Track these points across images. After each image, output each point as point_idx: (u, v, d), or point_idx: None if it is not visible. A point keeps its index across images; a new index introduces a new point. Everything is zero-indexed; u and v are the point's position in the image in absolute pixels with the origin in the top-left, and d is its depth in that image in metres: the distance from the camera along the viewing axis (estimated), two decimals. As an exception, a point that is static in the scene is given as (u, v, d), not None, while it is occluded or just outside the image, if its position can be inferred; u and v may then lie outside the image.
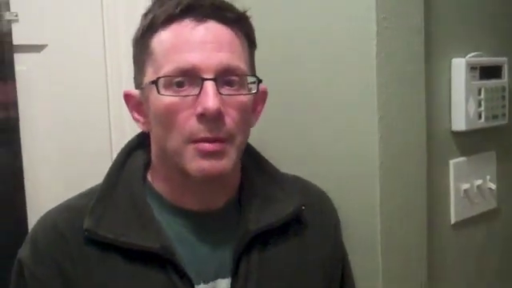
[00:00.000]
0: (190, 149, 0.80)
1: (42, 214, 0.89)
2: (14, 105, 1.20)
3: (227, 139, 0.81)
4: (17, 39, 1.20)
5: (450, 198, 1.24)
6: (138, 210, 0.85)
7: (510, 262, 1.43)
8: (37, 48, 1.24)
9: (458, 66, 1.21)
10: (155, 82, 0.79)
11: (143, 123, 0.87)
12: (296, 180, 1.00)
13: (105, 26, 1.30)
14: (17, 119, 1.21)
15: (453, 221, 1.24)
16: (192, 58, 0.79)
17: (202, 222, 0.87)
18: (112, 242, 0.82)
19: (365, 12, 1.00)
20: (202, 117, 0.79)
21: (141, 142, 0.92)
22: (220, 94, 0.79)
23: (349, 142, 1.05)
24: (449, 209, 1.24)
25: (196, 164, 0.80)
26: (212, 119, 0.79)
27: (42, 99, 1.25)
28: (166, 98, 0.80)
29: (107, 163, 0.91)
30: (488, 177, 1.32)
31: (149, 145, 0.90)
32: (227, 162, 0.82)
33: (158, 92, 0.79)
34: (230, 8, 0.84)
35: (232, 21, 0.83)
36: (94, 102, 1.29)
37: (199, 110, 0.78)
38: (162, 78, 0.79)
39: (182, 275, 0.82)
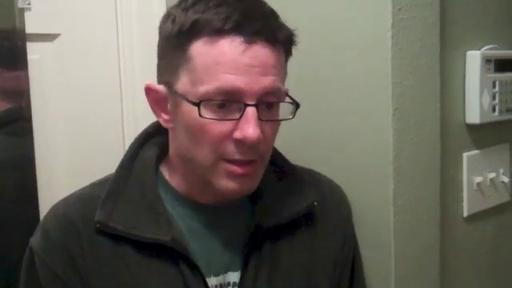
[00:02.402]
0: (221, 167, 0.80)
1: (53, 205, 0.89)
2: (26, 94, 1.20)
3: (259, 160, 0.82)
4: (29, 28, 1.20)
5: (463, 191, 1.23)
6: (149, 203, 0.84)
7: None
8: (50, 37, 1.24)
9: (473, 59, 1.20)
10: (197, 105, 0.77)
11: (165, 120, 0.85)
12: (309, 173, 1.00)
13: (118, 14, 1.30)
14: (29, 108, 1.21)
15: (465, 214, 1.23)
16: (238, 81, 0.76)
17: (214, 216, 0.87)
18: (123, 234, 0.82)
19: (380, 3, 0.99)
20: (240, 142, 0.78)
21: (156, 131, 0.92)
22: (260, 119, 0.78)
23: (363, 135, 1.05)
24: (462, 202, 1.23)
25: (225, 184, 0.81)
26: (250, 145, 0.78)
27: (54, 88, 1.25)
28: (203, 120, 0.77)
29: (120, 153, 0.92)
30: (501, 170, 1.31)
31: (166, 134, 0.89)
32: (255, 182, 0.84)
33: (200, 115, 0.77)
34: (280, 26, 0.81)
35: (281, 41, 0.80)
36: (106, 91, 1.29)
37: (239, 135, 0.77)
38: (206, 103, 0.77)
39: (193, 268, 0.82)
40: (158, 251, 0.82)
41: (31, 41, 1.21)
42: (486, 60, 1.21)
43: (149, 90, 0.84)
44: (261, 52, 0.78)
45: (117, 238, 0.82)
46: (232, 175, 0.80)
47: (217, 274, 0.86)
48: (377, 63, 1.01)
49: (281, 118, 0.84)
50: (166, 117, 0.84)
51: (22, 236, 0.93)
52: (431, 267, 1.11)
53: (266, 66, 0.78)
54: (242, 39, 0.77)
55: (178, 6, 0.82)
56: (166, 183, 0.89)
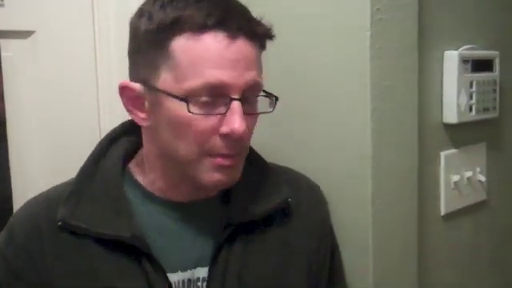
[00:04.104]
0: (206, 162, 0.81)
1: (25, 201, 0.90)
2: (-1, 91, 1.18)
3: (241, 154, 0.84)
4: (3, 24, 1.17)
5: (440, 190, 1.24)
6: (112, 200, 0.85)
7: (499, 254, 1.44)
8: (24, 34, 1.21)
9: (451, 59, 1.21)
10: (185, 101, 0.77)
11: (142, 119, 0.84)
12: (286, 172, 1.00)
13: (94, 11, 1.27)
14: (2, 107, 1.18)
15: (443, 212, 1.24)
16: (223, 75, 0.77)
17: (186, 213, 0.88)
18: (85, 232, 0.82)
19: (359, 3, 0.99)
20: (227, 136, 0.79)
21: (124, 131, 0.92)
22: (244, 113, 0.79)
23: (341, 135, 1.05)
24: (439, 200, 1.24)
25: (211, 176, 0.82)
26: (236, 139, 0.79)
27: (29, 86, 1.22)
28: (190, 115, 0.78)
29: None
30: (478, 169, 1.33)
31: (135, 133, 0.90)
32: (238, 173, 0.85)
33: (189, 110, 0.77)
34: (258, 21, 0.83)
35: (260, 36, 0.82)
36: (82, 89, 1.27)
37: (225, 130, 0.79)
38: (192, 97, 0.77)
39: (155, 264, 0.83)
40: (120, 248, 0.82)
41: (4, 38, 1.18)
42: (464, 60, 1.22)
43: (124, 89, 0.84)
44: (243, 47, 0.79)
45: (81, 236, 0.83)
46: (218, 168, 0.81)
47: (184, 270, 0.86)
48: (355, 63, 1.01)
49: (260, 111, 0.86)
50: (142, 115, 0.84)
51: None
52: (409, 266, 1.12)
53: (249, 61, 0.80)
54: (226, 34, 0.78)
55: (153, 3, 0.81)
56: (134, 182, 0.89)
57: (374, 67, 1.00)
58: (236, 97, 0.78)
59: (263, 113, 0.85)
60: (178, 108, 0.78)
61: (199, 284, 0.86)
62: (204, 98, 0.78)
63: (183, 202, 0.88)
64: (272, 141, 1.10)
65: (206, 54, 0.77)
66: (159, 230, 0.86)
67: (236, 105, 0.78)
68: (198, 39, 0.77)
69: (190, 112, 0.77)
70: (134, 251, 0.82)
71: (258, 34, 0.81)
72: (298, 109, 1.09)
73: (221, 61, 0.77)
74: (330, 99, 1.06)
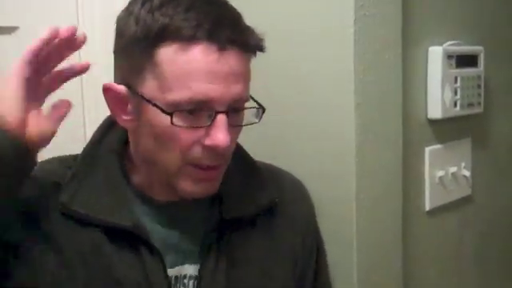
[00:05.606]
0: (186, 171, 0.80)
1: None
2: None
3: (224, 164, 0.83)
4: (-15, 20, 1.17)
5: (424, 185, 1.25)
6: (112, 190, 0.84)
7: (484, 249, 1.45)
8: (8, 30, 1.21)
9: (435, 55, 1.22)
10: (169, 114, 0.75)
11: (125, 120, 0.82)
12: (270, 169, 0.99)
13: (79, 7, 1.26)
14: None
15: (427, 208, 1.25)
16: (210, 90, 0.75)
17: (172, 212, 0.87)
18: (85, 218, 0.82)
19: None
20: (210, 148, 0.77)
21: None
22: (229, 125, 0.77)
23: (325, 130, 1.05)
24: (424, 196, 1.25)
25: (189, 187, 0.81)
26: (220, 152, 0.78)
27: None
28: (173, 127, 0.76)
29: (79, 144, 0.90)
30: (463, 164, 1.34)
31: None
32: (217, 185, 0.84)
33: (172, 123, 0.75)
34: (250, 32, 0.80)
35: (251, 48, 0.80)
36: (67, 85, 1.26)
37: (209, 143, 0.77)
38: (176, 111, 0.75)
39: (154, 254, 0.82)
40: (120, 237, 0.82)
41: (-13, 34, 1.18)
42: (448, 56, 1.23)
43: (107, 91, 0.82)
44: (233, 60, 0.77)
45: (81, 221, 0.82)
46: (196, 179, 0.81)
47: (172, 266, 0.86)
48: (339, 59, 1.02)
49: (246, 121, 0.84)
50: (126, 117, 0.82)
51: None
52: (394, 261, 1.12)
53: (238, 74, 0.77)
54: (216, 47, 0.75)
55: (141, 5, 0.78)
56: (128, 178, 0.88)
57: (358, 63, 1.01)
58: (221, 109, 0.76)
59: (248, 124, 0.84)
60: (161, 119, 0.76)
61: (185, 281, 0.86)
62: (188, 111, 0.76)
63: (171, 201, 0.87)
64: (257, 137, 1.10)
65: (193, 68, 0.75)
66: (148, 228, 0.85)
67: (221, 118, 0.76)
68: (186, 51, 0.75)
69: (173, 124, 0.76)
70: (133, 241, 0.82)
71: (249, 45, 0.79)
72: (283, 105, 1.09)
73: (209, 75, 0.75)
74: (313, 95, 1.06)
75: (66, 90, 1.23)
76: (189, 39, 0.74)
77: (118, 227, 0.81)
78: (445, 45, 1.23)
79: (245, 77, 0.80)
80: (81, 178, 0.85)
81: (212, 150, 0.78)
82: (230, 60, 0.76)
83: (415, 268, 1.21)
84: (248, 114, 0.84)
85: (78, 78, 1.25)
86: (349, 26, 0.99)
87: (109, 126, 0.91)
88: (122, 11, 0.82)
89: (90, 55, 1.25)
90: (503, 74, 1.47)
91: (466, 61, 1.28)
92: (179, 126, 0.76)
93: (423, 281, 1.25)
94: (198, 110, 0.76)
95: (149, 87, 0.77)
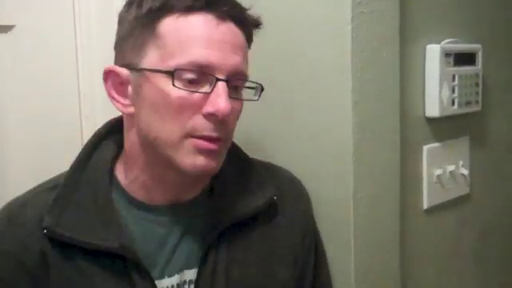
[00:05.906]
0: (188, 144, 0.79)
1: (5, 204, 0.87)
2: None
3: (225, 140, 0.82)
4: (-19, 18, 1.16)
5: (422, 184, 1.24)
6: (100, 208, 0.83)
7: (482, 247, 1.45)
8: (4, 28, 1.20)
9: (433, 53, 1.21)
10: (171, 73, 0.77)
11: (125, 105, 0.83)
12: (267, 167, 0.99)
13: (75, 4, 1.26)
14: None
15: (425, 206, 1.25)
16: (210, 55, 0.78)
17: (170, 216, 0.87)
18: (70, 241, 0.80)
19: (340, -4, 0.99)
20: (211, 116, 0.78)
21: (109, 131, 0.90)
22: (229, 96, 0.79)
23: (323, 128, 1.05)
24: (421, 194, 1.24)
25: (192, 160, 0.80)
26: (220, 120, 0.78)
27: (8, 81, 1.21)
28: (175, 91, 0.77)
29: (77, 150, 0.89)
30: (461, 163, 1.33)
31: (121, 132, 0.88)
32: (220, 162, 0.83)
33: (173, 84, 0.77)
34: (246, 10, 0.84)
35: (247, 25, 0.83)
36: (63, 84, 1.26)
37: (210, 109, 0.78)
38: (177, 78, 0.77)
39: (143, 273, 0.81)
40: (107, 257, 0.81)
41: (-17, 32, 1.17)
42: (446, 54, 1.22)
43: (109, 74, 0.83)
44: (231, 32, 0.80)
45: (66, 244, 0.81)
46: (200, 150, 0.80)
47: (171, 275, 0.85)
48: (337, 57, 1.01)
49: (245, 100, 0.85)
50: (125, 102, 0.83)
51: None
52: (391, 260, 1.12)
53: (236, 46, 0.81)
54: (214, 16, 0.79)
55: None
56: (120, 187, 0.87)
57: (355, 61, 1.00)
58: (222, 77, 0.78)
59: (248, 100, 0.85)
60: (163, 84, 0.78)
61: (186, 287, 0.86)
62: (189, 75, 0.78)
63: (167, 205, 0.87)
64: (255, 136, 1.10)
65: (194, 34, 0.78)
66: (145, 236, 0.85)
67: (221, 85, 0.78)
68: (187, 19, 0.79)
69: (174, 86, 0.77)
70: (122, 260, 0.81)
71: (246, 20, 0.82)
72: (281, 103, 1.09)
73: (209, 41, 0.78)
74: (310, 93, 1.05)
75: (62, 87, 1.25)
76: (188, 9, 0.79)
77: (103, 249, 0.80)
78: (443, 43, 1.23)
79: (243, 52, 0.82)
80: (66, 198, 0.83)
81: (213, 118, 0.78)
82: (228, 32, 0.80)
83: (413, 267, 1.21)
84: (247, 96, 0.87)
85: (74, 75, 1.27)
86: (346, 24, 0.99)
87: (98, 140, 0.89)
88: (123, 6, 0.85)
89: (87, 51, 1.26)
90: (501, 72, 1.47)
91: (463, 59, 1.27)
92: (180, 89, 0.77)
93: (421, 280, 1.24)
94: (199, 77, 0.78)
95: (151, 59, 0.79)
